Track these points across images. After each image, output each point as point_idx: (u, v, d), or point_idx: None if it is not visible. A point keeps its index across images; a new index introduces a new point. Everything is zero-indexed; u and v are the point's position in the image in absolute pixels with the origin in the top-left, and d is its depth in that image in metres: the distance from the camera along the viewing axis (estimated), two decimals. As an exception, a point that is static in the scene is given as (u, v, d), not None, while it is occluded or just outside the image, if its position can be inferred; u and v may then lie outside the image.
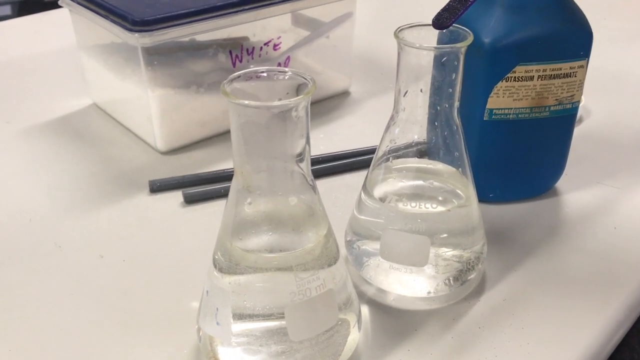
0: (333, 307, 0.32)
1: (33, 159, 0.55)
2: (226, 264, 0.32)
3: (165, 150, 0.55)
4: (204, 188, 0.50)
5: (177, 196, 0.49)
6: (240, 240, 0.31)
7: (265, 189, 0.31)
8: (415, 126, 0.38)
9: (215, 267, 0.33)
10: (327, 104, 0.64)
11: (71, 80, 0.67)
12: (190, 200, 0.49)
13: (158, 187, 0.50)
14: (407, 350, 0.36)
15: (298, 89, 0.31)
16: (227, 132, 0.58)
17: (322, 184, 0.51)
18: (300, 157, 0.31)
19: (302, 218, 0.32)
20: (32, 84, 0.69)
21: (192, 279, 0.41)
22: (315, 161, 0.53)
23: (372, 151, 0.54)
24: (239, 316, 0.32)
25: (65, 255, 0.43)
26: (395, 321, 0.38)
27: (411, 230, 0.37)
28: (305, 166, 0.31)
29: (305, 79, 0.30)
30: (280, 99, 0.29)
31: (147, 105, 0.53)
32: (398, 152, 0.39)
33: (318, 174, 0.52)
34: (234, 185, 0.31)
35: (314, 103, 0.64)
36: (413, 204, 0.38)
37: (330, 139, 0.58)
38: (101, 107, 0.62)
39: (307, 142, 0.31)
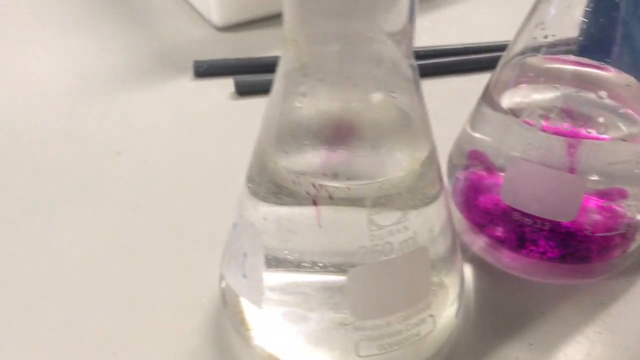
0: (424, 276, 0.20)
1: (58, 23, 0.44)
2: (264, 189, 0.20)
3: (222, 25, 0.43)
4: (263, 77, 0.38)
5: (227, 84, 0.38)
6: (286, 155, 0.19)
7: (333, 73, 0.18)
8: (578, 6, 0.24)
9: (247, 189, 0.21)
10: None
11: None
12: (243, 90, 0.37)
13: (205, 70, 0.38)
14: (528, 344, 0.24)
15: None
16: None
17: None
18: (398, 36, 0.18)
19: (390, 129, 0.19)
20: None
21: (236, 195, 0.30)
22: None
23: (502, 47, 0.40)
24: (278, 265, 0.20)
25: (75, 147, 0.33)
26: (511, 296, 0.26)
27: (555, 165, 0.24)
28: (406, 49, 0.18)
29: None
30: None
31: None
32: (548, 46, 0.25)
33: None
34: (282, 64, 0.19)
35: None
36: (565, 125, 0.24)
37: (439, 28, 0.44)
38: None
39: (411, 11, 0.18)
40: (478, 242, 0.28)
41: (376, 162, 0.19)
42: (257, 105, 0.36)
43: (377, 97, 0.19)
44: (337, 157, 0.19)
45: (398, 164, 0.19)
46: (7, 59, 0.40)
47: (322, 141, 0.19)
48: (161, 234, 0.28)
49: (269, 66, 0.39)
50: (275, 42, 0.42)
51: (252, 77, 0.37)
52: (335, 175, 0.19)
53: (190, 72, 0.39)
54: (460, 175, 0.28)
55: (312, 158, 0.19)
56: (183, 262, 0.27)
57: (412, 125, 0.20)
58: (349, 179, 0.19)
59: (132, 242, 0.28)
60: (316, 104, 0.18)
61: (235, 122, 0.35)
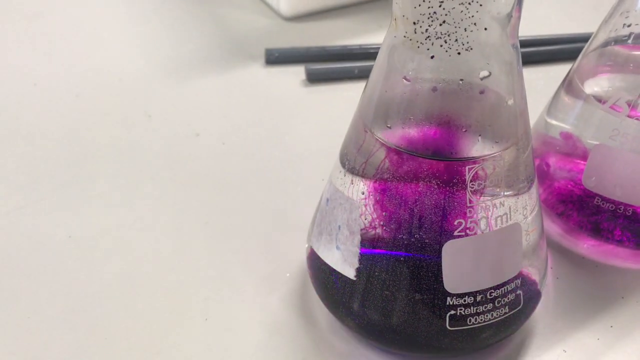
0: (516, 252, 0.21)
1: (133, 10, 0.46)
2: (361, 163, 0.21)
3: (290, 15, 0.44)
4: (334, 65, 0.38)
5: (298, 72, 0.38)
6: (389, 130, 0.20)
7: (441, 49, 0.19)
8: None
9: (343, 165, 0.22)
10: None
11: None
12: (314, 78, 0.38)
13: (276, 58, 0.39)
14: (609, 326, 0.24)
15: None
16: (368, 0, 0.45)
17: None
18: (504, 20, 0.18)
19: (489, 109, 0.20)
20: None
21: (309, 176, 0.30)
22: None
23: (569, 40, 0.41)
24: (373, 239, 0.21)
25: (153, 128, 0.34)
26: (590, 281, 0.26)
27: (641, 151, 0.24)
28: (513, 32, 0.19)
29: None
30: None
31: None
32: (634, 36, 0.25)
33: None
34: (388, 39, 0.20)
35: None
36: (653, 111, 0.25)
37: (532, 16, 0.44)
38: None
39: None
40: (554, 228, 0.28)
41: (475, 140, 0.20)
42: (327, 92, 0.38)
43: (479, 78, 0.19)
44: (439, 133, 0.20)
45: (496, 143, 0.20)
46: (87, 48, 0.41)
47: (427, 117, 0.19)
48: (240, 211, 0.29)
49: (338, 55, 0.40)
50: (341, 33, 0.43)
51: (323, 65, 0.38)
52: (435, 151, 0.19)
53: (262, 60, 0.40)
54: (536, 162, 0.28)
55: (415, 133, 0.20)
56: (262, 239, 0.28)
57: (510, 107, 0.20)
58: (448, 155, 0.20)
59: (214, 218, 0.29)
60: (425, 79, 0.19)
61: (308, 107, 0.36)
